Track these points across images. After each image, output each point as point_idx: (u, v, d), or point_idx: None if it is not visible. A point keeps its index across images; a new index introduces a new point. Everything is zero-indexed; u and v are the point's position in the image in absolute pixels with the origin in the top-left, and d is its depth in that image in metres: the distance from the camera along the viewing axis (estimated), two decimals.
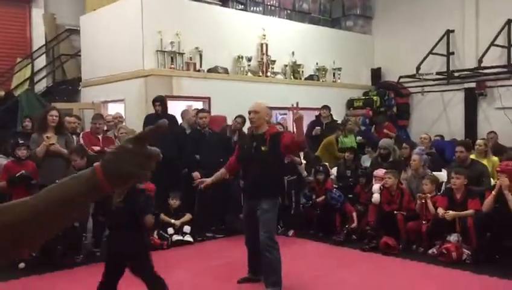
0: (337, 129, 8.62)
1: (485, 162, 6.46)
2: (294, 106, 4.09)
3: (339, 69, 10.91)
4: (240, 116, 7.26)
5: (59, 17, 10.87)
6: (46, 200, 0.88)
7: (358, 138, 8.92)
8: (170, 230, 6.26)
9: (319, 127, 8.93)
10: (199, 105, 8.46)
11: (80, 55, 9.97)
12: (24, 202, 0.88)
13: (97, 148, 6.49)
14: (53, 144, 5.76)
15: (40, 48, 10.60)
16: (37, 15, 10.73)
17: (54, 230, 0.91)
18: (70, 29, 10.57)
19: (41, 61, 10.58)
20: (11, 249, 0.88)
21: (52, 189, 0.90)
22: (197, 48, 8.54)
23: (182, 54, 8.41)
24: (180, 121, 7.65)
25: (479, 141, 6.91)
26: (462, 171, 5.75)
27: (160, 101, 7.10)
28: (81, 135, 6.76)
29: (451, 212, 5.53)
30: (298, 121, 4.07)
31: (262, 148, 4.32)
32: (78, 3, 10.32)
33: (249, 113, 4.47)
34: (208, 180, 4.81)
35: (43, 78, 10.49)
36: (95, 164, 0.91)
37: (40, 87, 10.32)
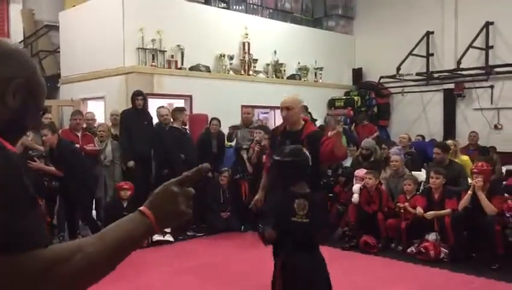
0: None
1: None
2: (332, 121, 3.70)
3: (321, 68, 10.97)
4: (214, 118, 7.31)
5: (38, 12, 10.68)
6: (112, 243, 0.95)
7: None
8: None
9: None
10: (180, 103, 8.42)
11: (59, 52, 9.81)
12: (92, 243, 0.94)
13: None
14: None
15: (18, 43, 10.41)
16: (15, 10, 10.53)
17: (112, 269, 0.96)
18: (49, 25, 10.38)
19: None
20: (78, 284, 0.93)
21: (115, 231, 0.97)
22: (178, 45, 8.49)
23: (163, 52, 8.34)
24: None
25: (448, 142, 7.03)
26: (441, 171, 5.83)
27: (143, 95, 7.05)
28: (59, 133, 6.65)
29: (431, 212, 5.60)
30: (337, 136, 3.71)
31: None
32: None
33: (281, 109, 3.94)
34: (259, 196, 4.16)
35: None
36: (141, 208, 0.99)
37: None
